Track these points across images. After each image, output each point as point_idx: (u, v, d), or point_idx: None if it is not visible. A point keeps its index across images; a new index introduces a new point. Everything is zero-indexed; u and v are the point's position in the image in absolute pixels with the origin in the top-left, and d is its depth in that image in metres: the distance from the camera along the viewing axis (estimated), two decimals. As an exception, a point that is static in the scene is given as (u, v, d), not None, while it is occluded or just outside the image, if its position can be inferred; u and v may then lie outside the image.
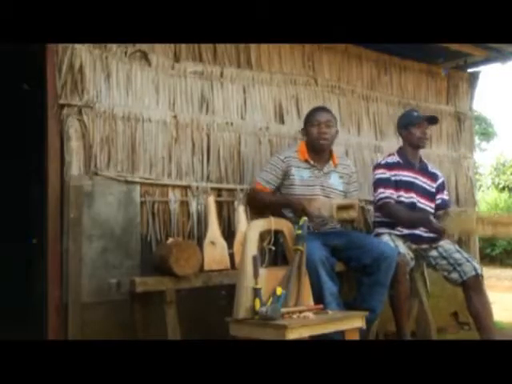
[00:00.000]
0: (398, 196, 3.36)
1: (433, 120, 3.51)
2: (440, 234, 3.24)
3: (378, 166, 3.46)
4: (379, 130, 4.12)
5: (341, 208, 2.91)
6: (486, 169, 16.01)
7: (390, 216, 3.32)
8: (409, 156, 3.46)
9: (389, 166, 3.41)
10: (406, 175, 3.41)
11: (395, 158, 3.46)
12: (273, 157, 3.28)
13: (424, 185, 3.45)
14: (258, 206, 3.16)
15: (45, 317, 2.96)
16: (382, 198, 3.33)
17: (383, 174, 3.38)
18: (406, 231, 3.32)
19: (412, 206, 3.36)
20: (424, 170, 3.50)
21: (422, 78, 4.51)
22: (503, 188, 14.48)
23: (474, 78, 4.83)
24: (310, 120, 3.22)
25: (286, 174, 3.16)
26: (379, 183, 3.38)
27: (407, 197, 3.37)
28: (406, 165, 3.43)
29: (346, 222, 3.23)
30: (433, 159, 4.36)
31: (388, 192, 3.33)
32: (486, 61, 4.61)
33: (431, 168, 3.59)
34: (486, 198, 13.12)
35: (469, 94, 4.80)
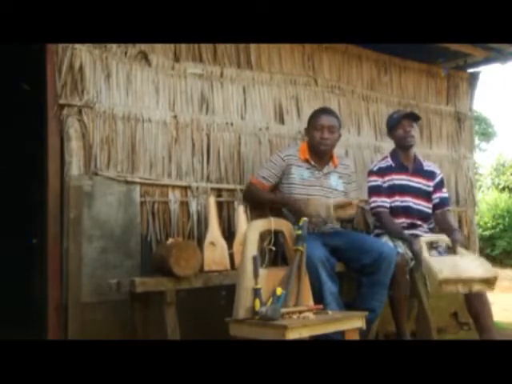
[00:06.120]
0: (394, 201, 3.37)
1: (412, 116, 3.49)
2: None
3: (370, 173, 3.49)
4: (379, 130, 4.12)
5: (338, 207, 2.92)
6: (486, 169, 16.01)
7: (383, 224, 3.36)
8: (401, 158, 3.47)
9: (381, 172, 3.44)
10: (399, 179, 3.41)
11: (388, 162, 3.48)
12: (274, 154, 3.30)
13: (419, 185, 3.44)
14: (254, 201, 3.20)
15: (45, 317, 2.96)
16: (374, 207, 3.39)
17: (375, 181, 3.43)
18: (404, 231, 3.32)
19: (407, 209, 3.37)
20: (418, 171, 3.48)
21: (421, 78, 4.50)
22: (503, 188, 14.47)
23: (473, 78, 4.83)
24: (313, 122, 3.21)
25: (285, 173, 3.17)
26: (371, 191, 3.43)
27: (402, 200, 3.38)
28: (398, 168, 3.44)
29: (344, 220, 3.22)
30: (433, 159, 4.36)
31: (380, 200, 3.37)
32: (486, 61, 4.61)
33: (427, 166, 3.55)
34: (486, 199, 13.11)
35: (469, 94, 4.80)
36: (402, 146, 3.46)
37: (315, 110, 3.34)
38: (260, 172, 3.24)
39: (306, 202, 2.99)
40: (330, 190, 3.20)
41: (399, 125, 3.43)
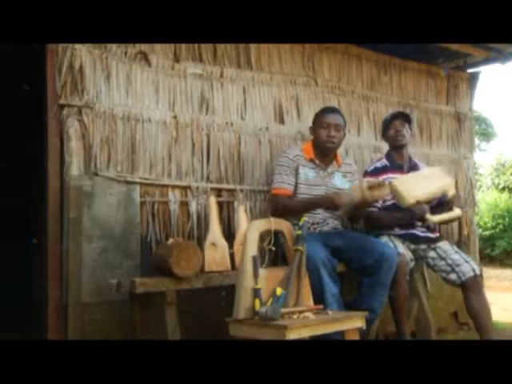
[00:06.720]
0: (392, 198, 3.37)
1: (403, 116, 3.53)
2: (422, 219, 3.26)
3: (364, 173, 3.53)
4: (379, 131, 4.11)
5: (371, 188, 2.90)
6: (486, 169, 16.02)
7: (374, 223, 3.38)
8: (396, 158, 3.50)
9: (376, 172, 3.46)
10: (395, 177, 3.41)
11: (384, 162, 3.52)
12: (281, 158, 3.22)
13: None
14: (285, 214, 2.92)
15: (45, 317, 2.97)
16: None
17: None
18: (402, 231, 3.33)
19: None
20: (413, 170, 3.51)
21: (421, 78, 4.50)
22: (503, 188, 14.48)
23: (473, 78, 4.83)
24: (319, 121, 3.21)
25: (296, 173, 3.15)
26: None
27: None
28: (394, 167, 3.47)
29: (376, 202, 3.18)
30: (432, 159, 4.36)
31: None
32: (486, 61, 4.60)
33: (422, 167, 3.60)
34: (486, 199, 13.11)
35: (469, 94, 4.80)
36: (395, 146, 3.51)
37: (321, 108, 3.35)
38: (277, 179, 3.15)
39: (337, 193, 3.02)
40: (335, 190, 3.20)
41: (391, 125, 3.50)
